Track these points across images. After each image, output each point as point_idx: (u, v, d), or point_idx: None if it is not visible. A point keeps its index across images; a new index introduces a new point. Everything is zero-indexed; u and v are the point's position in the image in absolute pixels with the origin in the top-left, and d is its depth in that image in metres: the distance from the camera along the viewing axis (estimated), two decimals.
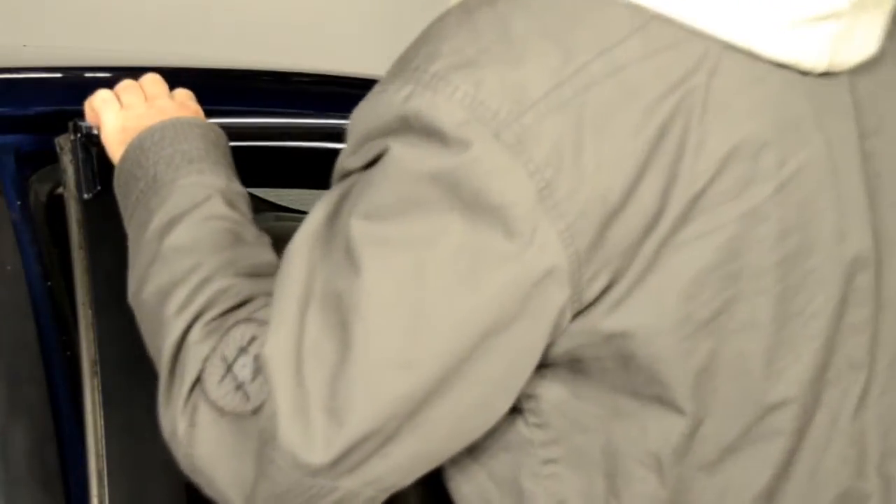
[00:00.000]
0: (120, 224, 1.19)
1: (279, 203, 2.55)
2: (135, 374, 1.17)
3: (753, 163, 0.85)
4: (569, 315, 0.84)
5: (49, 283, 1.17)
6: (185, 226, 0.96)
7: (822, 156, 0.88)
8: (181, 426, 0.87)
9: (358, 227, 0.82)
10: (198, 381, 0.87)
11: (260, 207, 2.51)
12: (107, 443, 1.14)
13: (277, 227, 2.07)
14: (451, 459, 0.91)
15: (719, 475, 0.89)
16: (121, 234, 1.19)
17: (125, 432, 1.16)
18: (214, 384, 0.86)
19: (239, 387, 0.85)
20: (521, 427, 0.90)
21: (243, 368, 0.86)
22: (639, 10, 0.84)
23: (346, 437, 0.82)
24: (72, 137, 1.17)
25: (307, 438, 0.82)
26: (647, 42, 0.83)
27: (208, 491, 0.89)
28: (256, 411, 0.84)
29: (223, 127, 1.13)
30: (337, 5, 3.72)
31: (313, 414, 0.82)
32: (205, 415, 0.86)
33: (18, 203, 1.18)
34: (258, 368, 0.85)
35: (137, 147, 1.03)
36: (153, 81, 1.14)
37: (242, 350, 0.86)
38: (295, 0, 3.65)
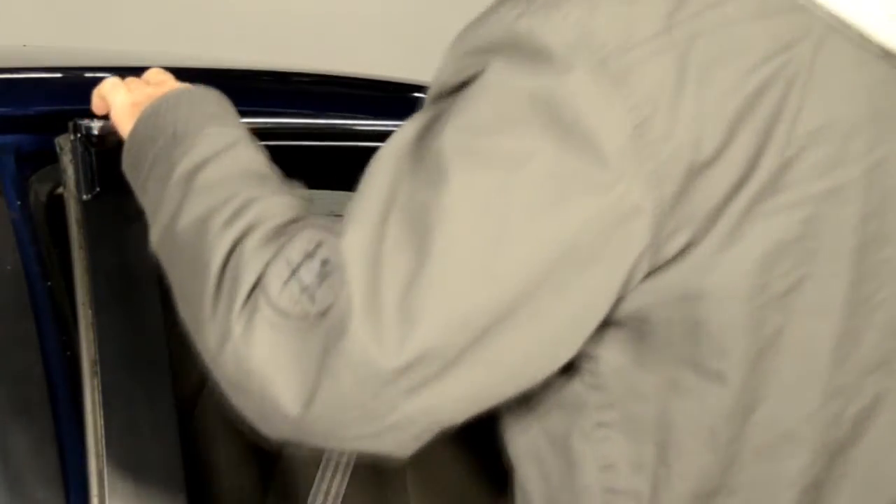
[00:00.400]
0: (120, 224, 1.19)
1: None
2: (135, 374, 1.17)
3: (843, 144, 0.85)
4: (645, 267, 0.83)
5: (49, 283, 1.17)
6: (214, 166, 0.95)
7: None
8: (236, 329, 0.84)
9: (451, 141, 0.82)
10: (256, 285, 0.85)
11: None
12: (107, 443, 1.14)
13: None
14: (508, 411, 0.91)
15: (773, 461, 0.88)
16: (121, 234, 1.19)
17: (125, 432, 1.16)
18: (278, 287, 0.84)
19: (304, 290, 0.83)
20: (577, 386, 0.89)
21: (309, 272, 0.84)
22: None
23: (416, 344, 0.81)
24: (72, 137, 1.17)
25: (378, 338, 0.81)
26: (762, 4, 0.85)
27: (253, 403, 0.86)
28: (322, 314, 0.82)
29: None
30: (337, 5, 3.72)
31: (387, 313, 0.81)
32: (265, 318, 0.84)
33: (18, 203, 1.18)
34: (324, 273, 0.83)
35: (152, 113, 1.03)
36: (158, 72, 1.15)
37: (308, 255, 0.84)
38: (295, 0, 3.65)
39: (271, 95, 1.48)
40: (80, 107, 1.19)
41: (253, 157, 0.98)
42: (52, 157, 1.19)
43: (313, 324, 0.83)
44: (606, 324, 0.86)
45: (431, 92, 0.88)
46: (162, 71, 1.16)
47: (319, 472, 1.93)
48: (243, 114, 1.23)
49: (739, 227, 0.83)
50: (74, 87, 1.26)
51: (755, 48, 0.83)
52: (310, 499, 1.71)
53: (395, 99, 1.56)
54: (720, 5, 0.84)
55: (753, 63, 0.83)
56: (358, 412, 0.83)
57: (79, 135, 1.16)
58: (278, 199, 0.91)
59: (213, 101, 1.05)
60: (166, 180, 0.96)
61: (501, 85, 0.82)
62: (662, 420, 0.88)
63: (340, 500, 1.90)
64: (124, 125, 1.08)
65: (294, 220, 0.88)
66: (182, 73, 1.19)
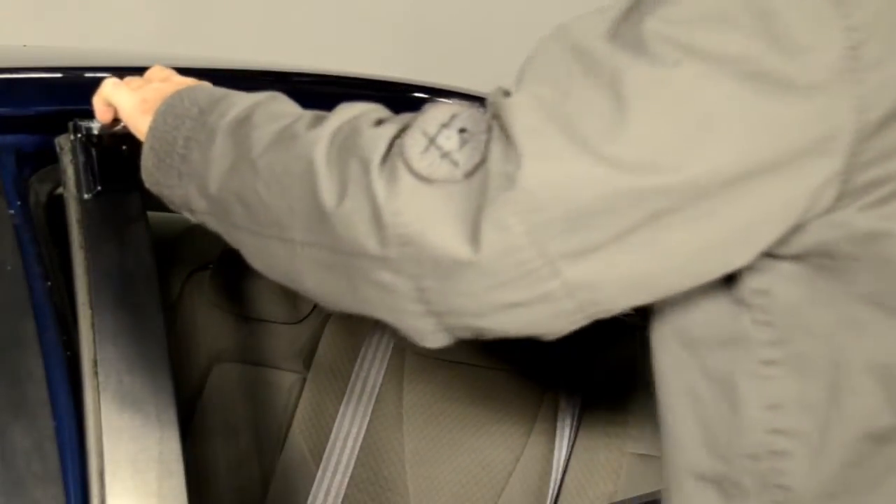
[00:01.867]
0: (120, 224, 1.19)
1: None
2: (135, 374, 1.17)
3: None
4: (832, 193, 0.82)
5: (49, 283, 1.17)
6: (264, 109, 0.95)
7: None
8: (381, 194, 0.82)
9: (658, 25, 0.80)
10: (389, 151, 0.83)
11: None
12: (107, 443, 1.14)
13: None
14: (662, 347, 0.91)
15: None
16: (121, 234, 1.19)
17: (125, 432, 1.16)
18: (417, 155, 0.82)
19: (445, 155, 0.82)
20: (745, 322, 0.88)
21: (448, 140, 0.83)
22: None
23: (591, 198, 0.79)
24: (72, 137, 1.17)
25: (551, 178, 0.79)
26: None
27: (405, 262, 0.83)
28: (470, 173, 0.81)
29: None
30: (338, 5, 3.72)
31: (569, 153, 0.79)
32: (408, 183, 0.82)
33: (18, 203, 1.18)
34: (464, 139, 0.82)
35: (170, 105, 1.03)
36: (159, 69, 1.15)
37: (444, 125, 0.84)
38: (295, 0, 3.65)
39: None
40: (80, 107, 1.19)
41: (292, 108, 0.97)
42: (52, 157, 1.19)
43: (461, 185, 0.81)
44: (783, 256, 0.85)
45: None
46: (163, 68, 1.16)
47: (319, 472, 1.94)
48: None
49: None
50: (74, 87, 1.26)
51: None
52: (310, 499, 1.72)
53: (395, 99, 1.56)
54: None
55: None
56: (519, 270, 0.81)
57: (79, 135, 1.16)
58: (361, 106, 0.90)
59: (225, 87, 1.05)
60: (211, 142, 0.96)
61: None
62: (835, 358, 0.86)
63: (340, 500, 1.90)
64: (138, 123, 1.08)
65: (397, 114, 0.88)
66: (182, 74, 1.19)
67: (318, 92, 1.54)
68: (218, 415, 2.21)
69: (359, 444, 2.02)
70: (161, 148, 1.03)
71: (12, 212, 1.17)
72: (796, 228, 0.84)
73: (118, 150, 1.17)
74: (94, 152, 1.16)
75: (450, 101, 0.87)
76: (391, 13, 3.67)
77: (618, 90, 0.80)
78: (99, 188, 1.18)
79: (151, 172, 1.05)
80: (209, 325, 2.21)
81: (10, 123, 1.21)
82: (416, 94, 1.58)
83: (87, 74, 1.36)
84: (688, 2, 0.81)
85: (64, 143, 1.18)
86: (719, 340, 0.89)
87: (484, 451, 1.96)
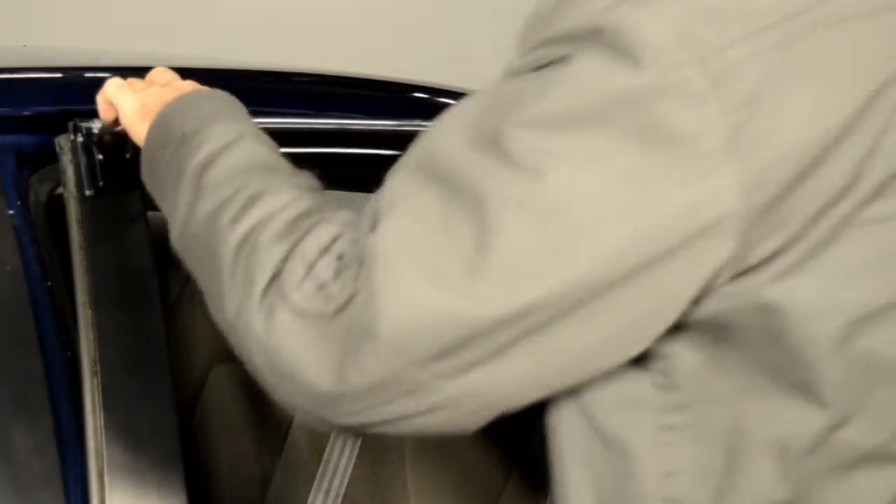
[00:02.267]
0: (120, 224, 1.19)
1: None
2: (135, 374, 1.17)
3: None
4: (726, 275, 0.79)
5: (49, 283, 1.17)
6: (222, 162, 0.94)
7: None
8: (257, 323, 0.83)
9: (521, 132, 0.77)
10: (272, 282, 0.83)
11: None
12: (107, 443, 1.14)
13: None
14: (556, 408, 0.87)
15: (850, 481, 0.83)
16: (121, 234, 1.19)
17: (125, 432, 1.16)
18: (294, 285, 0.82)
19: (321, 287, 0.81)
20: (646, 386, 0.85)
21: (325, 268, 0.82)
22: None
23: (463, 330, 0.77)
24: (72, 137, 1.17)
25: (411, 324, 0.78)
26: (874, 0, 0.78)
27: (284, 388, 0.84)
28: (339, 310, 0.80)
29: None
30: (338, 5, 3.72)
31: (430, 293, 0.77)
32: (284, 316, 0.82)
33: (18, 203, 1.18)
34: (341, 267, 0.81)
35: (162, 119, 1.03)
36: (162, 71, 1.15)
37: (324, 250, 0.83)
38: (295, 0, 3.65)
39: (271, 95, 1.48)
40: (80, 107, 1.19)
41: (260, 149, 0.97)
42: (52, 157, 1.19)
43: (331, 320, 0.81)
44: (683, 325, 0.82)
45: (503, 72, 0.83)
46: (166, 70, 1.16)
47: (319, 472, 1.94)
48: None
49: (834, 238, 0.78)
50: (74, 87, 1.26)
51: (870, 48, 0.77)
52: (310, 499, 1.71)
53: (395, 99, 1.56)
54: (833, 2, 0.77)
55: (866, 65, 0.77)
56: (397, 392, 0.80)
57: (79, 135, 1.16)
58: (288, 191, 0.89)
59: (219, 99, 1.05)
60: (179, 181, 0.96)
61: (583, 81, 0.76)
62: (735, 426, 0.83)
63: (340, 500, 1.90)
64: (137, 129, 1.08)
65: (307, 213, 0.87)
66: (182, 74, 1.19)
67: (318, 92, 1.54)
68: (218, 415, 2.21)
69: (359, 443, 2.02)
70: (150, 164, 1.03)
71: (12, 212, 1.17)
72: (693, 301, 0.81)
73: (118, 149, 1.17)
74: (94, 152, 1.17)
75: (339, 216, 0.86)
76: (391, 13, 3.67)
77: (481, 214, 0.77)
78: (99, 188, 1.18)
79: (145, 180, 1.05)
80: (209, 325, 2.20)
81: (10, 123, 1.21)
82: (416, 94, 1.58)
83: (87, 74, 1.36)
84: (548, 102, 0.77)
85: (64, 142, 1.18)
86: (619, 403, 0.86)
87: (486, 449, 1.96)
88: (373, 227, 0.82)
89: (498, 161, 0.77)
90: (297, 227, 0.85)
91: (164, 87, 1.10)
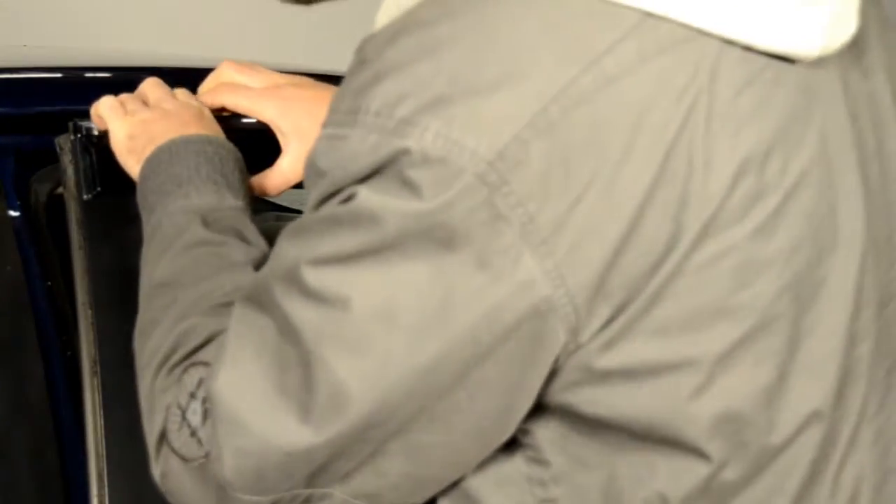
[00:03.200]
0: (120, 224, 1.19)
1: (280, 203, 2.55)
2: (135, 374, 1.17)
3: (760, 174, 0.77)
4: (564, 357, 0.77)
5: (49, 283, 1.17)
6: (168, 259, 0.96)
7: (818, 153, 0.81)
8: (157, 473, 0.87)
9: (318, 270, 0.78)
10: (163, 432, 0.86)
11: (260, 207, 2.51)
12: (107, 443, 1.15)
13: (277, 227, 2.06)
14: (442, 493, 0.86)
15: None
16: (121, 234, 1.19)
17: (125, 432, 1.16)
18: (174, 432, 0.85)
19: (193, 433, 0.84)
20: (519, 463, 0.84)
21: (194, 415, 0.84)
22: (627, 9, 0.75)
23: (316, 454, 0.79)
24: (72, 137, 1.17)
25: (258, 468, 0.81)
26: (642, 45, 0.75)
27: None
28: (208, 455, 0.83)
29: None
30: (338, 5, 3.72)
31: (267, 435, 0.80)
32: (172, 463, 0.85)
33: (18, 203, 1.18)
34: (206, 412, 0.83)
35: (142, 178, 1.04)
36: (154, 85, 1.14)
37: (192, 396, 0.85)
38: None
39: None
40: (80, 107, 1.19)
41: (203, 237, 0.97)
42: (52, 157, 1.19)
43: (206, 463, 0.83)
44: (541, 403, 0.81)
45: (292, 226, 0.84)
46: (157, 83, 1.14)
47: None
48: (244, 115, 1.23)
49: (662, 294, 0.76)
50: (74, 87, 1.26)
51: (647, 102, 0.74)
52: None
53: None
54: (596, 63, 0.74)
55: (649, 122, 0.74)
56: None
57: (79, 135, 1.16)
58: (202, 312, 0.90)
59: (191, 154, 1.03)
60: (145, 263, 0.99)
61: (369, 214, 0.75)
62: (611, 488, 0.82)
63: None
64: (126, 162, 1.08)
65: (201, 347, 0.87)
66: (182, 73, 1.19)
67: None
68: None
69: None
70: (143, 206, 1.04)
71: (12, 212, 1.17)
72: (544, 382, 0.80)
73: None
74: (94, 152, 1.17)
75: (201, 356, 0.87)
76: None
77: (301, 351, 0.78)
78: (99, 188, 1.18)
79: (141, 205, 1.06)
80: None
81: (10, 123, 1.21)
82: None
83: (87, 74, 1.36)
84: (340, 238, 0.77)
85: (64, 143, 1.18)
86: (496, 481, 0.85)
87: None
88: (211, 373, 0.83)
89: (304, 298, 0.78)
90: (181, 369, 0.87)
91: (152, 113, 1.09)
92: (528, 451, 0.83)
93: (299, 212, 2.54)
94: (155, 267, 0.96)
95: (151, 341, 0.91)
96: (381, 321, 0.76)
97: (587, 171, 0.73)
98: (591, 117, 0.73)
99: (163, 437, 0.86)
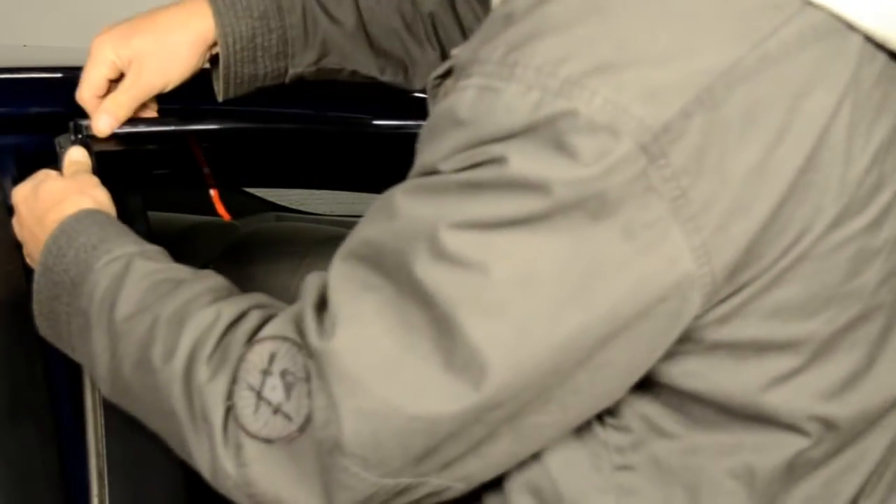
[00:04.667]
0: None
1: (280, 203, 2.55)
2: None
3: (881, 167, 0.80)
4: (689, 326, 0.78)
5: None
6: (124, 296, 0.92)
7: None
8: (230, 468, 0.82)
9: (460, 234, 0.75)
10: (227, 417, 0.82)
11: (260, 207, 2.51)
12: (107, 443, 1.14)
13: (277, 227, 2.06)
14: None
15: (804, 486, 0.85)
16: None
17: (125, 432, 1.16)
18: (250, 416, 0.81)
19: (276, 410, 0.80)
20: (595, 426, 0.84)
21: (273, 390, 0.80)
22: None
23: (435, 429, 0.77)
24: (72, 137, 1.17)
25: (378, 435, 0.77)
26: (802, 31, 0.76)
27: None
28: (303, 427, 0.79)
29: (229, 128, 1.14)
30: None
31: (394, 402, 0.77)
32: (252, 450, 0.81)
33: None
34: (288, 384, 0.80)
35: (44, 274, 1.00)
36: (23, 194, 1.09)
37: (266, 372, 0.81)
38: None
39: (271, 94, 1.48)
40: (80, 107, 1.19)
41: (153, 266, 0.94)
42: (52, 157, 1.19)
43: (299, 439, 0.80)
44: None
45: (419, 167, 0.80)
46: (24, 186, 1.10)
47: None
48: (244, 114, 1.23)
49: (784, 276, 0.78)
50: (74, 87, 1.26)
51: (806, 86, 0.76)
52: None
53: (395, 99, 1.56)
54: (760, 45, 0.75)
55: (806, 105, 0.76)
56: (390, 493, 0.80)
57: (79, 135, 1.16)
58: (203, 308, 0.87)
59: (87, 225, 1.01)
60: (88, 333, 0.94)
61: (521, 179, 0.74)
62: (692, 460, 0.83)
63: None
64: (30, 261, 1.07)
65: (230, 329, 0.85)
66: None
67: (318, 92, 1.54)
68: None
69: None
70: (47, 317, 1.00)
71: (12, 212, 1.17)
72: None
73: (118, 150, 1.17)
74: (94, 152, 1.16)
75: (265, 320, 0.84)
76: None
77: (434, 315, 0.76)
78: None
79: (45, 331, 1.02)
80: None
81: (10, 123, 1.21)
82: (416, 94, 1.58)
83: None
84: (488, 203, 0.75)
85: (64, 143, 1.18)
86: (569, 445, 0.84)
87: None
88: (322, 333, 0.79)
89: (439, 260, 0.76)
90: (230, 350, 0.83)
91: (33, 220, 1.06)
92: (609, 418, 0.83)
93: (299, 211, 2.53)
94: (112, 311, 0.92)
95: (157, 350, 0.87)
96: (522, 288, 0.75)
97: (742, 150, 0.74)
98: (751, 96, 0.74)
99: (227, 425, 0.82)
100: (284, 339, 0.82)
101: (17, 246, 1.14)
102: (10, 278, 1.15)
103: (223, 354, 0.83)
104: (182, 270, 0.95)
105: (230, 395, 0.82)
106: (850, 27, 0.78)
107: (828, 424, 0.83)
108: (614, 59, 0.74)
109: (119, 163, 1.18)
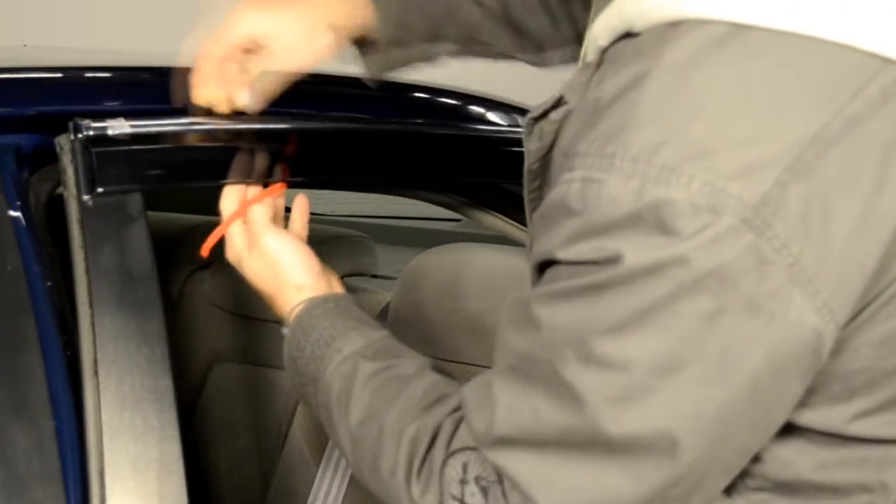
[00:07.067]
0: (120, 224, 1.19)
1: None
2: (135, 374, 1.17)
3: None
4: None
5: (49, 283, 1.17)
6: (355, 401, 1.02)
7: None
8: None
9: (598, 338, 0.80)
10: None
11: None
12: (107, 443, 1.14)
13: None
14: None
15: None
16: (121, 234, 1.19)
17: (125, 432, 1.15)
18: None
19: None
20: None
21: (473, 496, 0.88)
22: (870, 55, 0.79)
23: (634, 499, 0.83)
24: (72, 137, 1.16)
25: None
26: (885, 86, 0.78)
27: None
28: None
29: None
30: None
31: (588, 493, 0.83)
32: None
33: (18, 203, 1.18)
34: (484, 488, 0.88)
35: (289, 363, 1.13)
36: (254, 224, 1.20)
37: (464, 482, 0.89)
38: None
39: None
40: (80, 107, 1.19)
41: (375, 369, 1.04)
42: (52, 157, 1.19)
43: None
44: None
45: (539, 256, 0.86)
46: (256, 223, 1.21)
47: (319, 472, 1.94)
48: (245, 115, 1.23)
49: (888, 307, 0.82)
50: (74, 87, 1.26)
51: (891, 139, 0.78)
52: (310, 499, 1.72)
53: (395, 99, 1.56)
54: (846, 107, 0.78)
55: (891, 155, 0.78)
56: None
57: (79, 135, 1.16)
58: (414, 417, 0.96)
59: (319, 318, 1.12)
60: (333, 427, 1.06)
61: (640, 274, 0.78)
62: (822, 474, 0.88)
63: (340, 500, 1.90)
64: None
65: (434, 440, 0.93)
66: (182, 74, 1.19)
67: (319, 92, 1.54)
68: (218, 415, 2.21)
69: None
70: (300, 395, 1.13)
71: (12, 212, 1.17)
72: None
73: (118, 150, 1.17)
74: (94, 152, 1.16)
75: (451, 429, 0.93)
76: None
77: (587, 415, 0.81)
78: (99, 188, 1.18)
79: (301, 400, 1.18)
80: (209, 325, 2.21)
81: (10, 123, 1.21)
82: (416, 94, 1.58)
83: (87, 74, 1.36)
84: (616, 307, 0.80)
85: (64, 143, 1.18)
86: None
87: None
88: (491, 443, 0.87)
89: (586, 365, 0.81)
90: (433, 465, 0.92)
91: (252, 251, 1.19)
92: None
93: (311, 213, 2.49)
94: (348, 414, 1.02)
95: (384, 464, 0.95)
96: (665, 377, 0.79)
97: (844, 209, 0.77)
98: (844, 158, 0.77)
99: None
100: (472, 449, 0.90)
101: (18, 245, 1.14)
102: (10, 278, 1.15)
103: (429, 469, 0.92)
104: (404, 366, 1.04)
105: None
106: None
107: None
108: (706, 143, 0.77)
109: (119, 163, 1.18)
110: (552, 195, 0.83)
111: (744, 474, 0.89)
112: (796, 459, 0.88)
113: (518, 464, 0.85)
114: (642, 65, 0.80)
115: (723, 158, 0.76)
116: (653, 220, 0.77)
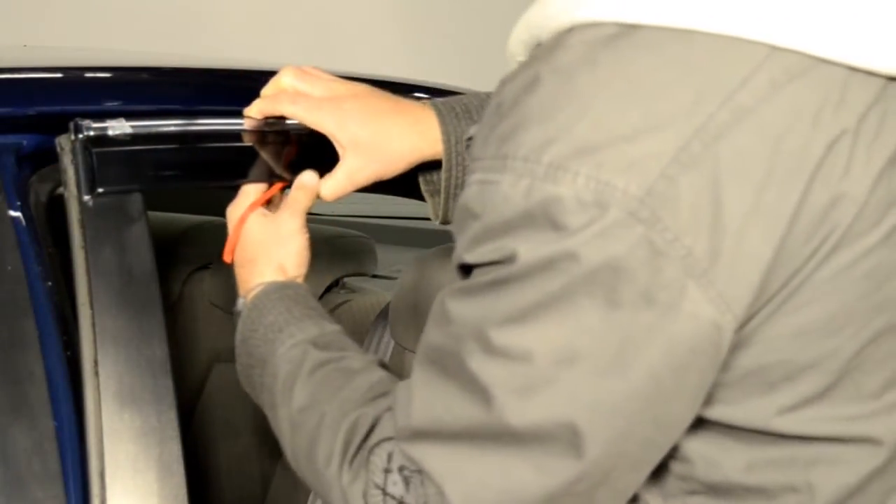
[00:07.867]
0: (120, 224, 1.19)
1: None
2: (135, 374, 1.17)
3: (889, 184, 0.82)
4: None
5: (49, 283, 1.17)
6: (300, 387, 1.03)
7: None
8: None
9: (499, 330, 0.82)
10: None
11: None
12: (107, 443, 1.14)
13: None
14: None
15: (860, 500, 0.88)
16: (121, 234, 1.19)
17: (125, 432, 1.16)
18: None
19: (400, 502, 0.89)
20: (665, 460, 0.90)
21: (395, 485, 0.89)
22: (755, 44, 0.79)
23: (540, 490, 0.83)
24: (72, 137, 1.17)
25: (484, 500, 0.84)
26: (773, 76, 0.78)
27: None
28: None
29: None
30: (339, 4, 3.72)
31: (497, 479, 0.84)
32: None
33: (18, 203, 1.18)
34: (407, 477, 0.89)
35: (241, 341, 1.14)
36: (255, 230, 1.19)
37: (386, 470, 0.90)
38: (296, 0, 3.65)
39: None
40: (80, 107, 1.19)
41: (323, 358, 1.05)
42: (52, 157, 1.19)
43: None
44: None
45: (454, 260, 0.88)
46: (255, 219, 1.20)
47: None
48: (244, 115, 1.23)
49: (794, 298, 0.81)
50: (74, 87, 1.26)
51: (785, 129, 0.78)
52: (310, 498, 1.71)
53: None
54: (732, 97, 0.78)
55: (788, 147, 0.78)
56: None
57: (79, 135, 1.16)
58: (355, 408, 0.96)
59: (275, 302, 1.12)
60: (274, 411, 1.07)
61: (534, 270, 0.79)
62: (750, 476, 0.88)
63: None
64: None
65: (370, 432, 0.94)
66: (182, 73, 1.19)
67: None
68: (218, 415, 2.21)
69: None
70: (246, 377, 1.15)
71: (12, 212, 1.17)
72: None
73: (119, 150, 1.17)
74: (94, 152, 1.16)
75: (382, 434, 0.93)
76: (391, 12, 3.67)
77: (494, 406, 0.82)
78: (99, 188, 1.18)
79: (244, 384, 1.16)
80: (209, 325, 2.21)
81: (10, 123, 1.21)
82: (417, 95, 1.58)
83: (87, 74, 1.36)
84: (512, 299, 0.81)
85: (64, 143, 1.18)
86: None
87: None
88: (409, 436, 0.88)
89: (489, 356, 0.82)
90: (362, 456, 0.93)
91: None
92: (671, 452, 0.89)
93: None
94: (290, 399, 1.03)
95: (321, 451, 0.96)
96: (565, 367, 0.80)
97: (735, 200, 0.77)
98: (732, 149, 0.77)
99: None
100: (393, 437, 0.91)
101: (18, 245, 1.14)
102: (10, 278, 1.15)
103: (361, 458, 0.93)
104: (352, 360, 1.05)
105: (365, 495, 0.91)
106: (829, 62, 0.80)
107: (872, 441, 0.86)
108: (591, 140, 0.77)
109: (119, 163, 1.18)
110: (459, 200, 0.85)
111: (677, 477, 0.89)
112: (724, 459, 0.87)
113: (431, 457, 0.86)
114: (535, 68, 0.81)
115: (607, 154, 0.77)
116: (543, 217, 0.78)
